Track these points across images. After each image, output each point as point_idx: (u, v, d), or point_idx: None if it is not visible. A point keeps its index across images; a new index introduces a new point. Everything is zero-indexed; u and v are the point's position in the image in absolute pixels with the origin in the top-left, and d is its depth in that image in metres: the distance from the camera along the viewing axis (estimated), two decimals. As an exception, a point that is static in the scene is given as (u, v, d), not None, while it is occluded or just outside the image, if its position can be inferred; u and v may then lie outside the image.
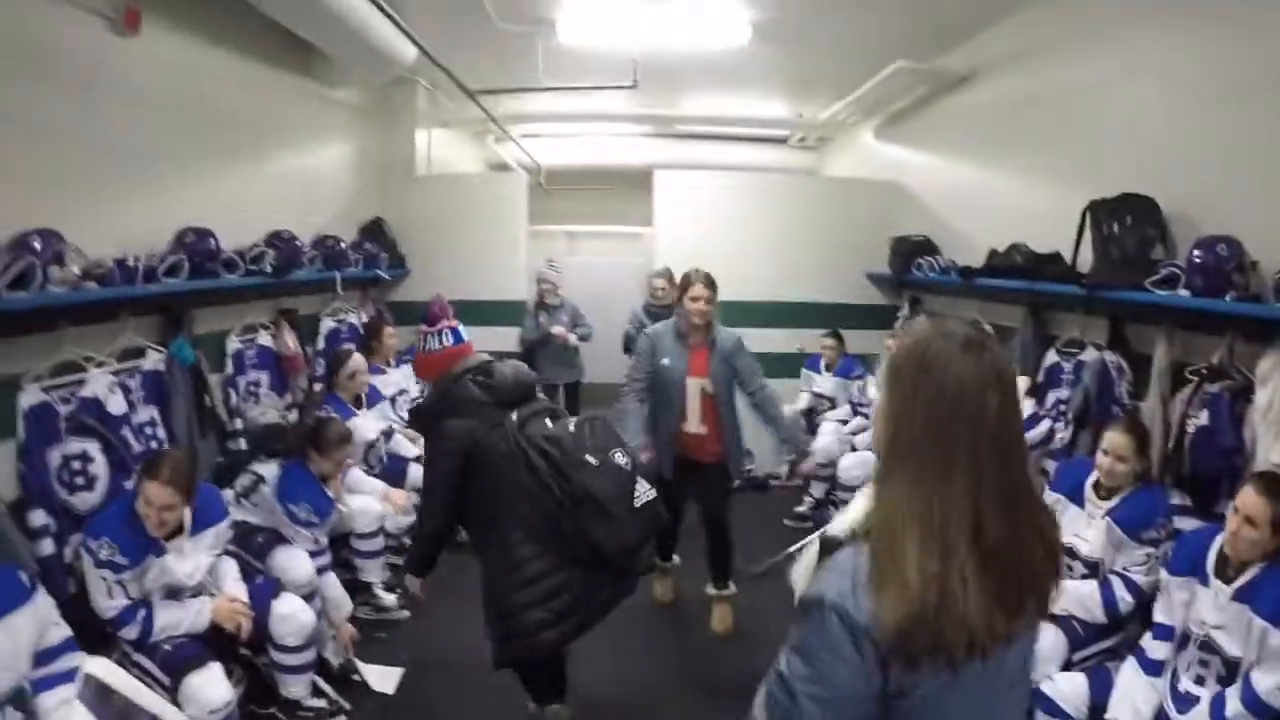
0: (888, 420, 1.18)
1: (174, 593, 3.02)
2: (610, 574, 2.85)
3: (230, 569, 3.28)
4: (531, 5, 5.19)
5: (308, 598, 3.42)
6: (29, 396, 3.01)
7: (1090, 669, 2.88)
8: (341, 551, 4.10)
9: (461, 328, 3.23)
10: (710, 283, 4.03)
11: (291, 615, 3.23)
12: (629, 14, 5.27)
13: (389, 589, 4.28)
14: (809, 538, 1.30)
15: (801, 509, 5.80)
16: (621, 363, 5.31)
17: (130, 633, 2.88)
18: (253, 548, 3.59)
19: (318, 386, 4.89)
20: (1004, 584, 1.10)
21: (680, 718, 3.57)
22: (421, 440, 3.58)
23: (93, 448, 3.17)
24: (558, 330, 6.39)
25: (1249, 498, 2.41)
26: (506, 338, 6.44)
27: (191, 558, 3.06)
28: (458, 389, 2.98)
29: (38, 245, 2.91)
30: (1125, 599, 2.93)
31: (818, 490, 5.76)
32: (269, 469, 3.71)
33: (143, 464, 3.02)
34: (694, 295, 4.00)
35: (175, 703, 2.76)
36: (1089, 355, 3.93)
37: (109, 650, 2.86)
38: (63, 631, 2.54)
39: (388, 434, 4.88)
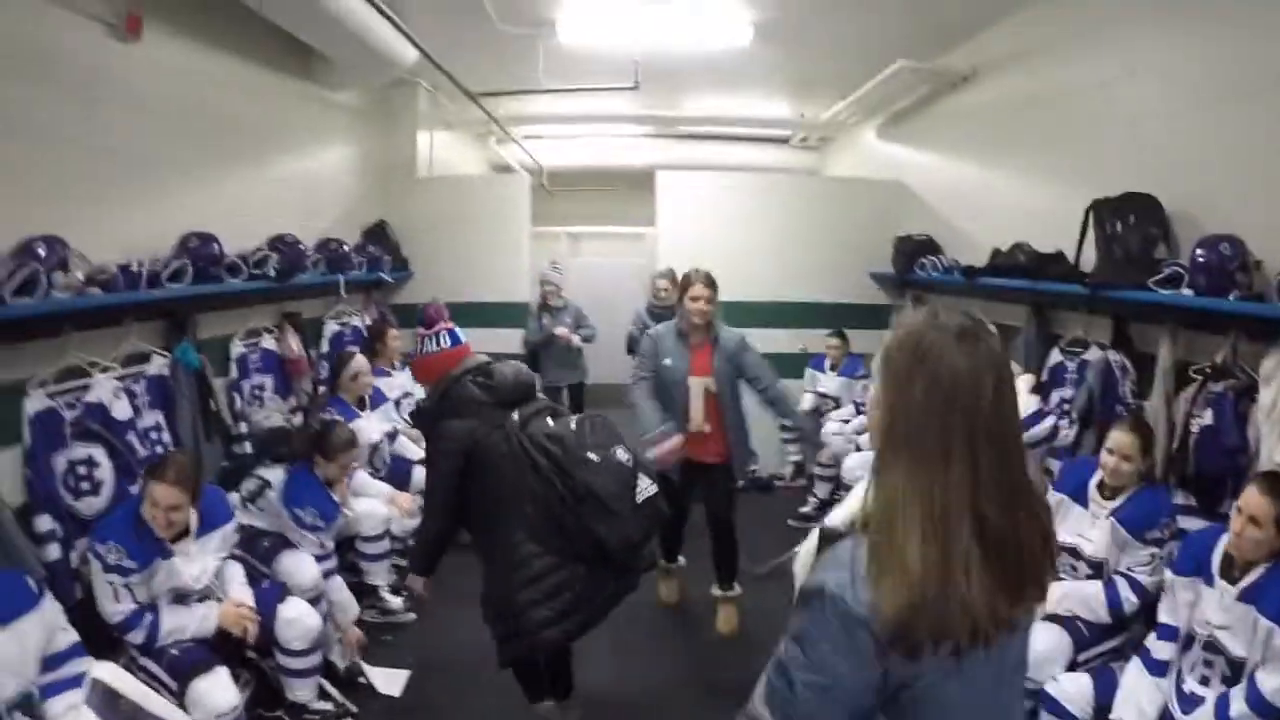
0: (884, 411, 1.18)
1: (181, 596, 3.03)
2: (612, 571, 2.87)
3: (236, 573, 3.29)
4: (532, 6, 5.19)
5: (313, 602, 3.43)
6: (34, 402, 3.02)
7: (1095, 669, 2.88)
8: (347, 555, 4.11)
9: (458, 329, 3.23)
10: (710, 282, 4.03)
11: (297, 619, 3.24)
12: (629, 15, 5.27)
13: (395, 591, 4.28)
14: (810, 535, 1.31)
15: (806, 509, 5.80)
16: (625, 364, 5.32)
17: (137, 637, 2.88)
18: (258, 552, 3.60)
19: (321, 389, 4.90)
20: (1005, 570, 1.11)
21: (685, 718, 3.57)
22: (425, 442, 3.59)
23: (98, 453, 3.17)
24: (561, 332, 6.39)
25: (1253, 497, 2.41)
26: (510, 340, 6.43)
27: (198, 560, 3.07)
28: (457, 390, 2.99)
29: (42, 251, 2.92)
30: (1130, 599, 2.93)
31: (822, 490, 5.77)
32: (275, 474, 3.72)
33: (147, 467, 3.04)
34: (694, 295, 4.01)
35: (182, 707, 2.77)
36: (1093, 354, 3.94)
37: (116, 655, 2.86)
38: (70, 637, 2.55)
39: (392, 436, 4.88)
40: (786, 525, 5.65)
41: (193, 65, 4.09)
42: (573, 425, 2.93)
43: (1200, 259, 3.13)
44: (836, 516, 1.25)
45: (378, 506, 4.23)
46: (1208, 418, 3.10)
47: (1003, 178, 5.28)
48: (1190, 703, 2.51)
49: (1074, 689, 2.77)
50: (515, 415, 2.95)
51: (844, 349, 6.18)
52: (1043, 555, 1.18)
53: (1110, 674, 2.78)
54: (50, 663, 2.47)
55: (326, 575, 3.66)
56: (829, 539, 1.20)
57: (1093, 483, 3.15)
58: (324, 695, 3.44)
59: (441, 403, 3.01)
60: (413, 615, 4.23)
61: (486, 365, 3.11)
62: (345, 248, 5.47)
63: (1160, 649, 2.67)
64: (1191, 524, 3.07)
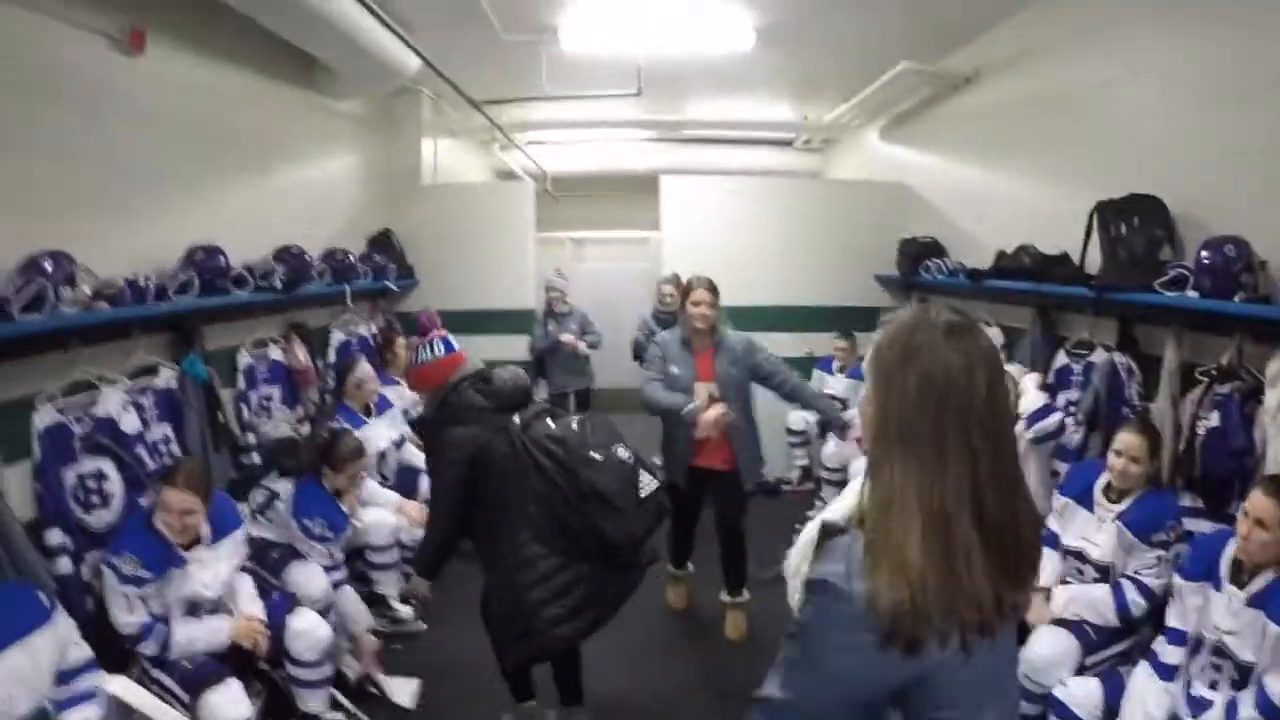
0: (876, 409, 1.18)
1: (193, 607, 3.05)
2: (616, 568, 2.90)
3: (246, 585, 3.31)
4: (534, 13, 5.20)
5: (323, 612, 3.45)
6: (43, 417, 3.03)
7: (1103, 673, 2.88)
8: (356, 564, 4.12)
9: (452, 337, 3.24)
10: (711, 287, 4.05)
11: (308, 630, 3.26)
12: (632, 21, 5.28)
13: (403, 600, 4.29)
14: (809, 526, 1.31)
15: (813, 513, 5.79)
16: (631, 369, 5.32)
17: (149, 648, 2.90)
18: (268, 563, 3.62)
19: (328, 399, 4.92)
20: (1005, 559, 1.12)
21: (694, 724, 3.57)
22: (432, 450, 3.62)
23: (107, 466, 3.19)
24: (567, 338, 6.40)
25: (1259, 500, 2.42)
26: (516, 347, 6.46)
27: (212, 567, 3.11)
28: (457, 397, 3.02)
29: (49, 267, 2.93)
30: (1137, 601, 2.93)
31: (829, 494, 5.76)
32: (283, 485, 3.74)
33: (158, 477, 3.08)
34: (695, 300, 4.02)
35: (195, 719, 2.78)
36: (1098, 356, 3.93)
37: (128, 668, 2.89)
38: (83, 651, 2.57)
39: (398, 443, 4.89)
40: (794, 529, 5.62)
41: (196, 78, 4.11)
42: (574, 426, 2.97)
43: (1205, 261, 3.13)
44: (835, 511, 1.26)
45: (386, 516, 4.25)
46: (1214, 420, 3.10)
47: (1006, 179, 5.28)
48: (1199, 707, 2.51)
49: (1082, 693, 2.77)
50: (516, 419, 2.99)
51: (852, 351, 6.18)
52: (1034, 538, 1.20)
53: (1118, 678, 2.78)
54: (64, 678, 2.48)
55: (336, 586, 3.68)
56: (830, 532, 1.21)
57: (1098, 486, 3.15)
58: (336, 705, 3.46)
59: (442, 410, 3.04)
60: (422, 625, 4.24)
61: (485, 371, 3.15)
62: (351, 257, 5.48)
63: (1169, 653, 2.67)
64: (1198, 526, 3.08)
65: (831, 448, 5.67)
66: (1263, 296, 2.97)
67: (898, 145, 7.16)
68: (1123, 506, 3.05)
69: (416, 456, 4.91)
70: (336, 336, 5.43)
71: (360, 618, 3.76)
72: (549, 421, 3.00)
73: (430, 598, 3.26)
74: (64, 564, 2.98)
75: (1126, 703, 2.67)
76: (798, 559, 1.30)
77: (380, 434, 4.68)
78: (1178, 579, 2.72)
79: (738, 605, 4.25)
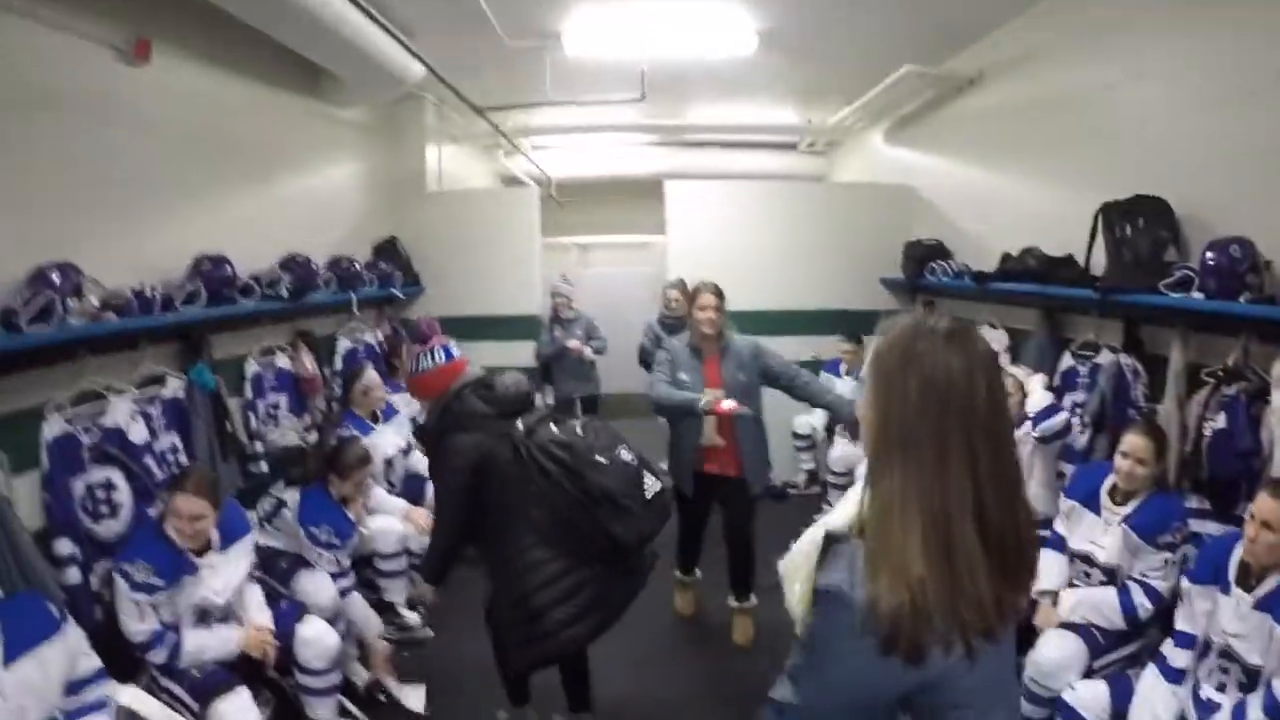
0: (877, 415, 1.19)
1: (203, 614, 3.07)
2: (621, 572, 2.93)
3: (255, 594, 3.32)
4: (537, 19, 5.21)
5: (332, 621, 3.46)
6: (52, 427, 3.04)
7: (1111, 676, 2.88)
8: (364, 572, 4.13)
9: (453, 344, 3.25)
10: (717, 292, 4.05)
11: (316, 639, 3.27)
12: (635, 26, 5.29)
13: (411, 607, 4.30)
14: (810, 533, 1.31)
15: (818, 517, 5.77)
16: (637, 374, 5.34)
17: (158, 656, 2.91)
18: (276, 572, 3.63)
19: (335, 406, 4.93)
20: (1005, 561, 1.13)
21: (702, 729, 3.57)
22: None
23: (116, 476, 3.20)
24: (573, 344, 6.41)
25: (1265, 503, 2.41)
26: (522, 353, 6.48)
27: (222, 572, 3.12)
28: (459, 404, 3.03)
29: (56, 279, 2.95)
30: (1144, 605, 2.92)
31: (835, 498, 5.74)
32: (290, 494, 3.75)
33: (168, 484, 3.10)
34: (701, 304, 4.03)
35: (204, 728, 2.80)
36: (1104, 358, 3.92)
37: (137, 677, 2.89)
38: (92, 662, 2.57)
39: (406, 450, 4.90)
40: (800, 533, 5.62)
41: (201, 87, 4.13)
42: (579, 430, 2.99)
43: (1210, 262, 3.13)
44: (836, 519, 1.26)
45: (394, 524, 4.25)
46: (1220, 421, 3.09)
47: (1011, 181, 5.27)
48: (1207, 709, 2.50)
49: (1090, 696, 2.77)
50: (520, 424, 3.00)
51: (859, 354, 6.16)
52: (1032, 535, 1.21)
53: (1127, 681, 2.78)
54: (74, 688, 2.49)
55: (344, 593, 3.69)
56: (831, 542, 1.22)
57: (1104, 488, 3.15)
58: (344, 712, 3.48)
59: (444, 418, 3.05)
60: (430, 632, 4.24)
61: (486, 378, 3.15)
62: (356, 265, 5.50)
63: (1177, 656, 2.67)
64: (1206, 527, 3.07)
65: (838, 451, 5.66)
66: (1268, 297, 2.97)
67: (902, 148, 7.16)
68: (1128, 509, 3.04)
69: (424, 463, 4.90)
70: (343, 344, 5.45)
71: (371, 624, 3.79)
72: (552, 427, 3.01)
73: (436, 602, 3.30)
74: (72, 574, 3.00)
75: (1134, 706, 2.67)
76: (794, 561, 1.30)
77: (388, 441, 4.69)
78: (1185, 582, 2.71)
79: (745, 610, 4.24)
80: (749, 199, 6.86)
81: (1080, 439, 3.92)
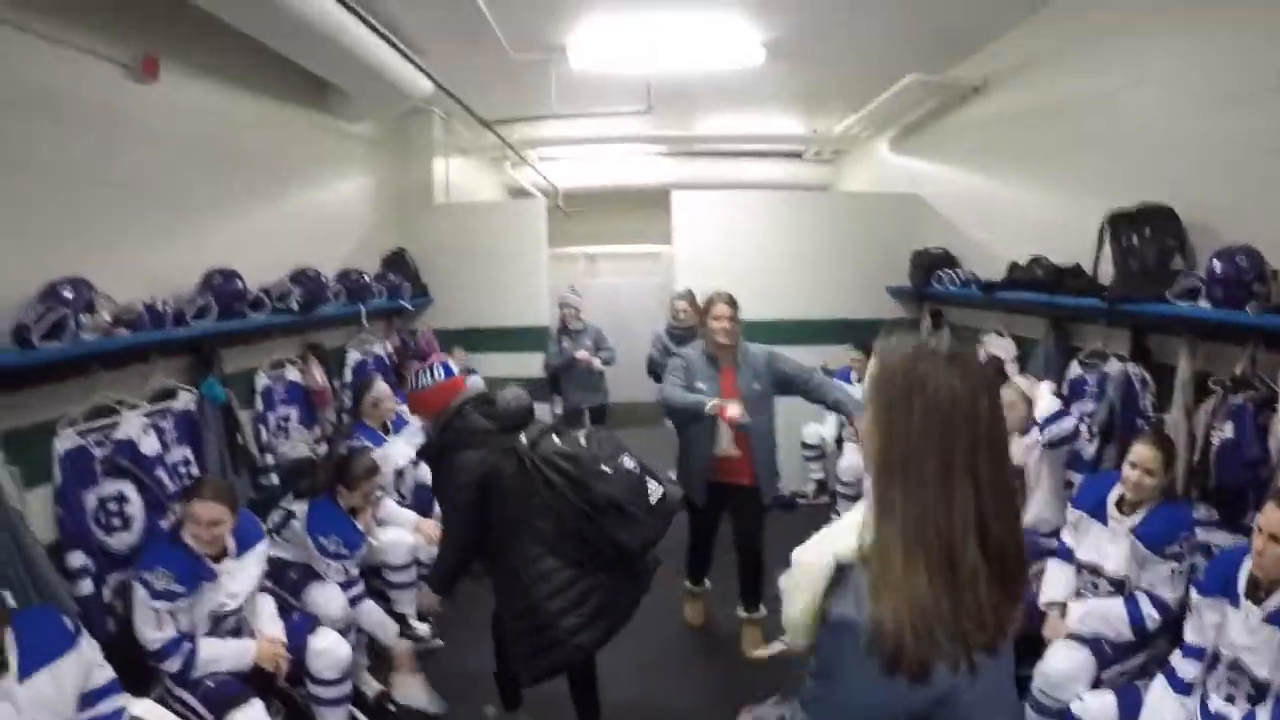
0: (880, 438, 1.20)
1: (217, 620, 3.09)
2: (627, 577, 2.98)
3: (268, 606, 3.35)
4: (543, 33, 5.24)
5: (343, 632, 3.48)
6: (64, 441, 3.07)
7: (1119, 687, 2.87)
8: (374, 583, 4.13)
9: (451, 361, 3.33)
10: (732, 301, 4.06)
11: (328, 650, 3.29)
12: (640, 38, 5.31)
13: (422, 618, 4.31)
14: (812, 549, 1.32)
15: (826, 527, 5.76)
16: (645, 383, 5.33)
17: (173, 665, 2.92)
18: (287, 583, 3.65)
19: (345, 418, 4.95)
20: (1005, 576, 1.14)
21: (711, 740, 3.57)
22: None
23: (128, 489, 3.23)
24: (582, 355, 6.41)
25: (1273, 515, 2.39)
26: (531, 364, 6.50)
27: (238, 578, 3.15)
28: (461, 421, 3.07)
29: (68, 294, 2.98)
30: (1152, 615, 2.91)
31: (844, 508, 5.74)
32: (299, 506, 3.77)
33: (184, 493, 3.13)
34: (716, 315, 4.03)
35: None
36: (1112, 367, 3.91)
37: (150, 688, 2.92)
38: (107, 673, 2.58)
39: (416, 461, 4.90)
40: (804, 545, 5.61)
41: (209, 103, 4.16)
42: (583, 441, 3.03)
43: (1217, 270, 3.13)
44: (841, 542, 1.27)
45: (404, 535, 4.26)
46: (1228, 430, 3.09)
47: (1017, 189, 5.28)
48: (1216, 721, 2.50)
49: (1098, 708, 2.76)
50: (523, 437, 3.03)
51: (868, 363, 6.15)
52: (1022, 547, 1.21)
53: (1135, 692, 2.77)
54: (88, 700, 2.50)
55: (354, 601, 3.71)
56: (841, 569, 1.22)
57: (1111, 499, 3.14)
58: (354, 721, 3.49)
59: (445, 435, 3.08)
60: (439, 642, 4.26)
61: (486, 394, 3.21)
62: (365, 277, 5.53)
63: (1185, 668, 2.65)
64: (1214, 537, 3.06)
65: (847, 461, 5.66)
66: (1275, 306, 2.95)
67: (908, 156, 7.17)
68: (1136, 519, 3.03)
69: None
70: (353, 356, 5.47)
71: (387, 628, 3.83)
72: (556, 439, 3.05)
73: (441, 611, 3.35)
74: (85, 586, 3.02)
75: (1143, 717, 2.66)
76: (795, 581, 1.31)
77: (399, 451, 4.70)
78: (1194, 594, 2.70)
79: (754, 621, 4.25)
80: (755, 208, 6.86)
81: (1088, 448, 3.91)
